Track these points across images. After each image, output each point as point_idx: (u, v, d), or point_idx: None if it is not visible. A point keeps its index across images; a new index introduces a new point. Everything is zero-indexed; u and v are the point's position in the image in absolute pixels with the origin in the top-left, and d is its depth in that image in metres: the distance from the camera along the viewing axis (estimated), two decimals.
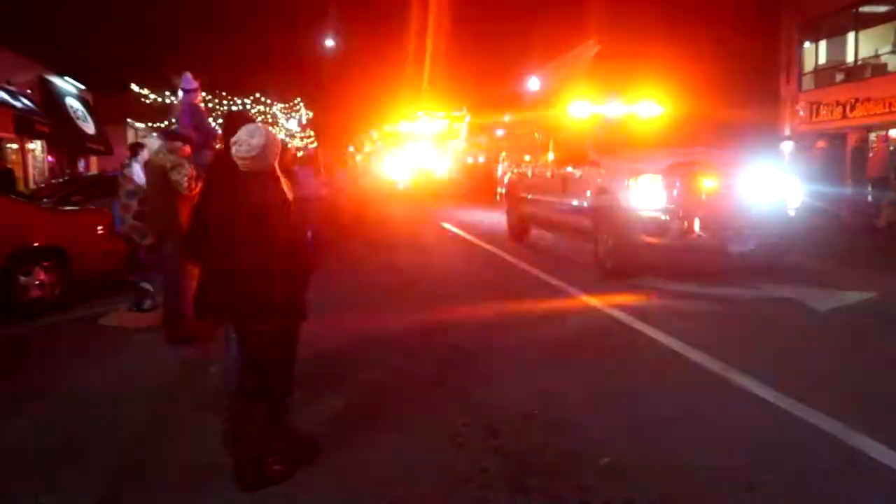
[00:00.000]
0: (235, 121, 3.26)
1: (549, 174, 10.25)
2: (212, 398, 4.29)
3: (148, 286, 7.01)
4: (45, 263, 7.31)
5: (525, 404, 4.20)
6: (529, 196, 11.12)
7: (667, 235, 7.40)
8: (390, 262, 10.03)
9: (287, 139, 36.23)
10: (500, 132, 24.39)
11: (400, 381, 4.81)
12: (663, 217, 7.43)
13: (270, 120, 36.20)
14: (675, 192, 7.47)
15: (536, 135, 11.40)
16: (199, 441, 3.76)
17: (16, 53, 20.73)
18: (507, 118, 23.73)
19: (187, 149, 5.91)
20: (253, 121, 3.24)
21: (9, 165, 16.86)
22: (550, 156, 10.27)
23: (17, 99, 19.37)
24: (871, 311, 6.55)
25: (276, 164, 3.16)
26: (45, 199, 12.43)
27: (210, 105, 26.97)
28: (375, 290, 8.08)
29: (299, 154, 15.91)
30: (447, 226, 14.80)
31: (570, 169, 9.40)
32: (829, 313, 6.43)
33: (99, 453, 3.74)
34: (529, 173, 11.38)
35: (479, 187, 21.42)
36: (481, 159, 24.69)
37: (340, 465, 3.49)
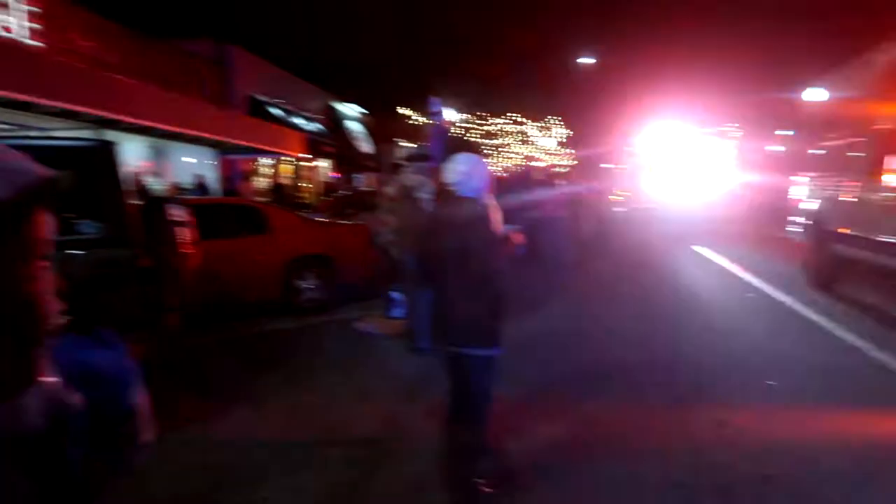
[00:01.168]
0: (456, 149, 3.38)
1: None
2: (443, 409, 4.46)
3: (398, 296, 7.56)
4: (316, 270, 8.28)
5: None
6: (850, 232, 8.27)
7: None
8: (637, 293, 9.35)
9: (542, 157, 36.79)
10: (778, 148, 22.12)
11: (629, 417, 4.54)
12: None
13: (526, 139, 37.09)
14: None
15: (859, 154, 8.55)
16: (421, 451, 3.91)
17: (312, 85, 24.11)
18: (790, 132, 21.28)
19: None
20: (472, 150, 3.31)
21: (281, 181, 19.59)
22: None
23: (309, 123, 22.46)
24: None
25: (486, 192, 3.16)
26: (324, 212, 14.25)
27: (467, 126, 28.44)
28: (613, 319, 7.76)
29: (552, 171, 16.00)
30: (717, 258, 12.70)
31: None
32: None
33: (330, 448, 4.08)
34: (855, 200, 8.40)
35: (755, 212, 19.52)
36: (756, 180, 22.60)
37: (541, 496, 3.41)
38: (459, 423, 3.22)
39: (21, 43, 11.04)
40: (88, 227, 4.76)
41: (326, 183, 23.00)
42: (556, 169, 26.76)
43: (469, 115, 31.51)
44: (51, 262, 0.66)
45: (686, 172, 24.96)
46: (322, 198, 18.01)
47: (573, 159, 40.54)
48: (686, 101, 30.19)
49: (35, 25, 11.47)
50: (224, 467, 3.87)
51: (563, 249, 11.53)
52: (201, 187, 14.24)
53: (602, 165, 39.76)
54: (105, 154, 4.63)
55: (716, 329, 6.92)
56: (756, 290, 9.18)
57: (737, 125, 25.53)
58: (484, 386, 3.18)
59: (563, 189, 12.16)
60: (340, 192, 19.16)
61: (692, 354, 5.96)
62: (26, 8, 11.31)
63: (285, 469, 3.79)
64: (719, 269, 11.37)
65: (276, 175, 20.61)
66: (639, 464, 3.71)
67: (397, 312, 7.52)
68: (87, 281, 3.81)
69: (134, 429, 0.78)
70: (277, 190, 17.80)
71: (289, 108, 21.30)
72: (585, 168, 27.71)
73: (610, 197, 20.11)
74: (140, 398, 0.79)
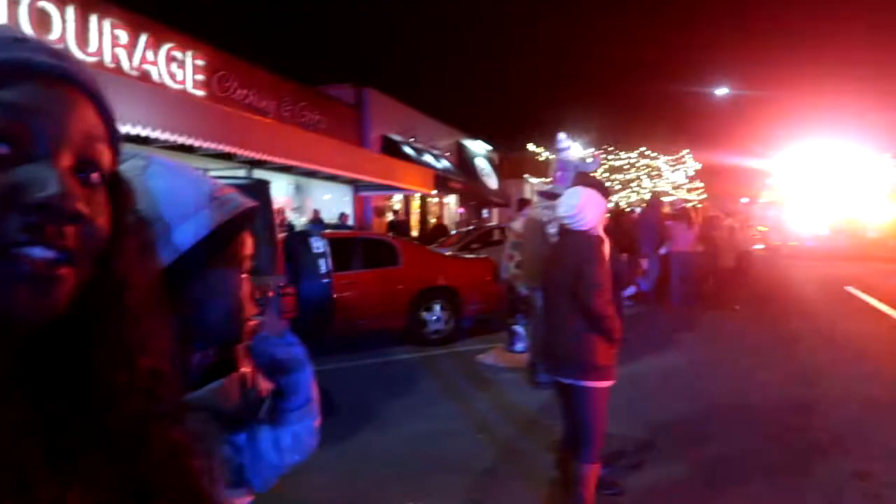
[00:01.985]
0: (583, 183, 3.43)
1: None
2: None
3: (521, 330, 7.67)
4: (442, 302, 8.56)
5: None
6: None
7: None
8: (777, 332, 8.85)
9: (672, 191, 35.60)
10: None
11: (752, 462, 4.34)
12: None
13: (654, 174, 36.11)
14: None
15: None
16: (538, 483, 3.97)
17: (441, 123, 24.99)
18: None
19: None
20: (589, 184, 3.38)
21: (402, 216, 20.27)
22: None
23: (438, 161, 23.24)
24: None
25: (599, 227, 3.20)
26: (452, 246, 14.64)
27: (599, 161, 28.10)
28: (746, 358, 7.41)
29: (684, 205, 15.45)
30: (871, 299, 11.26)
31: None
32: None
33: (448, 476, 4.22)
34: None
35: None
36: None
37: None
38: (573, 455, 3.25)
39: (187, 93, 12.41)
40: None
41: (438, 219, 23.50)
42: (688, 203, 25.73)
43: (597, 150, 31.23)
44: (250, 275, 0.88)
45: (836, 204, 23.02)
46: (441, 238, 18.39)
47: (705, 193, 38.90)
48: (835, 125, 28.12)
49: (199, 77, 12.86)
50: (351, 485, 4.12)
51: (694, 285, 11.15)
52: (318, 221, 15.01)
53: (740, 199, 37.71)
54: (260, 192, 5.14)
55: (864, 374, 6.42)
56: None
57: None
58: (596, 418, 3.19)
59: (696, 223, 11.73)
60: (471, 226, 19.58)
61: (835, 400, 5.58)
62: (194, 62, 12.73)
63: (406, 493, 3.97)
64: (873, 310, 10.46)
65: (398, 211, 21.39)
66: None
67: (520, 346, 7.61)
68: None
69: (311, 414, 0.98)
70: (394, 225, 18.45)
71: (419, 145, 22.18)
72: (720, 202, 26.33)
73: (749, 232, 18.87)
74: (314, 389, 0.98)
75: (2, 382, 0.47)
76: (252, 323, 0.89)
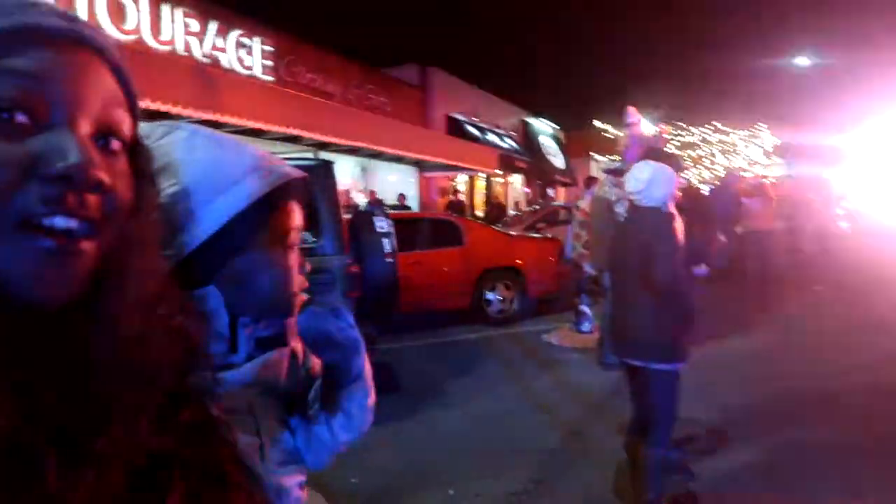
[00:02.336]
0: (654, 160, 3.28)
1: None
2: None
3: (588, 310, 7.53)
4: (507, 282, 8.50)
5: None
6: None
7: None
8: (863, 316, 8.19)
9: (747, 167, 34.14)
10: None
11: (834, 450, 4.11)
12: None
13: (729, 149, 34.71)
14: None
15: None
16: (605, 466, 3.88)
17: (506, 101, 24.72)
18: None
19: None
20: (663, 158, 3.23)
21: (461, 197, 20.04)
22: None
23: (503, 140, 23.02)
24: None
25: (670, 202, 3.05)
26: (516, 226, 14.51)
27: (666, 137, 27.22)
28: (829, 342, 7.05)
29: (761, 182, 14.75)
30: None
31: None
32: None
33: (512, 456, 4.18)
34: None
35: None
36: None
37: None
38: (643, 439, 3.15)
39: (256, 78, 12.68)
40: (307, 237, 5.35)
41: (496, 199, 23.10)
42: (766, 179, 24.62)
43: (667, 126, 30.21)
44: (298, 247, 0.85)
45: None
46: (516, 213, 18.18)
47: (785, 168, 37.15)
48: None
49: (268, 62, 13.11)
50: (414, 463, 4.14)
51: (771, 264, 10.67)
52: (377, 202, 15.01)
53: (823, 175, 35.86)
54: (324, 172, 5.19)
55: None
56: None
57: None
58: (667, 401, 3.07)
59: (774, 200, 11.19)
60: (536, 206, 19.31)
61: None
62: (262, 48, 12.98)
63: (468, 472, 3.96)
64: None
65: (457, 192, 21.24)
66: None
67: (586, 326, 7.48)
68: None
69: (364, 392, 0.95)
70: (452, 205, 18.32)
71: (483, 125, 22.01)
72: (801, 178, 24.97)
73: (834, 209, 17.71)
74: (366, 366, 0.95)
75: (10, 363, 0.44)
76: (301, 297, 0.86)
